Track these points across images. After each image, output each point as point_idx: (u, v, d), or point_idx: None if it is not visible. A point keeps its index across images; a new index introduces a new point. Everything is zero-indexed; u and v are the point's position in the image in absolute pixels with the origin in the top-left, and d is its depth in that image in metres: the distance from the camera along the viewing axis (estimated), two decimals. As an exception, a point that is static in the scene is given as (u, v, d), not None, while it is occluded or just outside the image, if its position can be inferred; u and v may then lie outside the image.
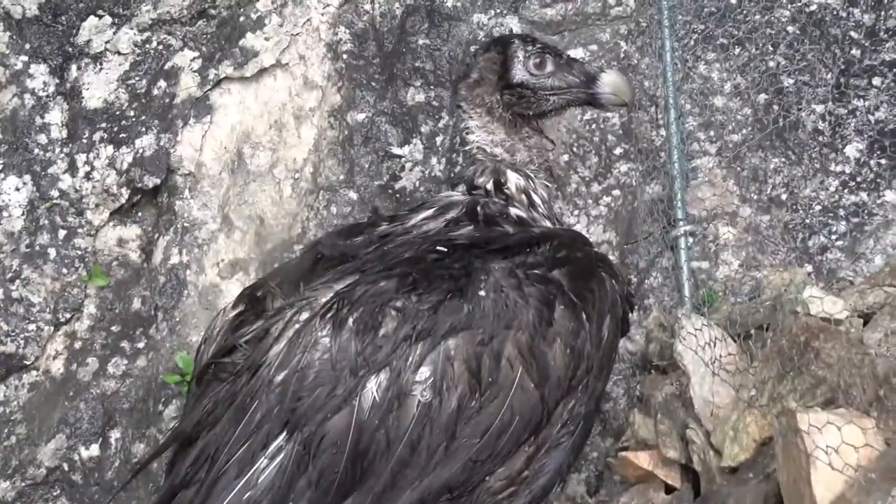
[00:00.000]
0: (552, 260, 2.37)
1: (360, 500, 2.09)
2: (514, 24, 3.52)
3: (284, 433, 2.09)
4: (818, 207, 3.19)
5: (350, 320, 2.15)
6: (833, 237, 3.15)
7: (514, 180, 2.72)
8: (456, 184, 2.89)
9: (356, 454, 2.08)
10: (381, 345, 2.15)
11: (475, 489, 2.18)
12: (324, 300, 2.22)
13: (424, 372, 2.13)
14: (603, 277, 2.39)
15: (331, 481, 2.05)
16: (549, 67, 2.76)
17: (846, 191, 3.20)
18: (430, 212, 2.64)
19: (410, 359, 2.14)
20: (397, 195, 3.40)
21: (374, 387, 2.13)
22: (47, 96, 3.36)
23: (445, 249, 2.44)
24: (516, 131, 2.79)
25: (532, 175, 2.74)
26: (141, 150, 3.35)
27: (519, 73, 2.76)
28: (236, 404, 2.14)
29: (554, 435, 2.27)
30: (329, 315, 2.17)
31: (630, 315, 2.54)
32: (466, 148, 2.84)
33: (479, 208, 2.62)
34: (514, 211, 2.67)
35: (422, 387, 2.13)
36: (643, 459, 2.80)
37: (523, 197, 2.70)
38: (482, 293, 2.24)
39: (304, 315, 2.21)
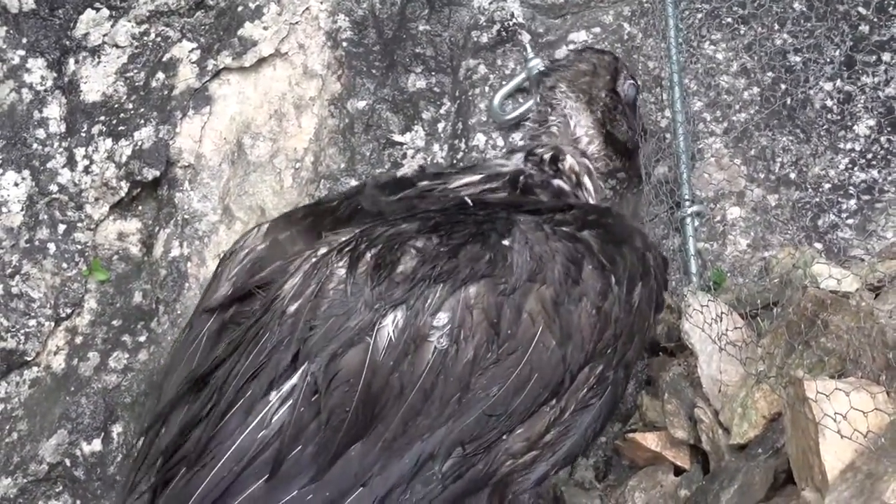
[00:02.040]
0: (583, 221, 2.34)
1: (369, 448, 2.03)
2: (515, 8, 3.48)
3: (297, 370, 2.04)
4: (828, 185, 3.13)
5: (368, 255, 2.13)
6: (843, 215, 3.09)
7: (570, 161, 2.79)
8: (515, 151, 2.91)
9: (368, 396, 2.03)
10: (399, 282, 2.11)
11: (491, 448, 2.12)
12: (343, 239, 2.21)
13: (442, 318, 2.08)
14: (637, 245, 2.36)
15: (341, 421, 2.00)
16: (632, 97, 3.06)
17: (856, 168, 3.14)
18: (475, 178, 2.66)
19: (429, 301, 2.10)
20: (399, 183, 3.36)
21: (390, 324, 2.08)
22: (45, 91, 3.34)
23: (472, 203, 2.45)
24: (598, 130, 2.96)
25: (591, 166, 2.85)
26: (140, 143, 3.33)
27: (620, 86, 3.00)
28: (247, 337, 2.11)
29: (580, 398, 2.22)
30: (347, 249, 2.15)
31: (664, 293, 2.51)
32: (549, 119, 2.96)
33: (521, 177, 2.66)
34: (556, 182, 2.72)
35: (439, 333, 2.08)
36: (651, 441, 2.75)
37: (573, 176, 2.76)
38: (506, 242, 2.19)
39: (322, 250, 2.19)
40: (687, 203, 3.07)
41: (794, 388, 2.15)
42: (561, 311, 2.16)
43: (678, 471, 2.72)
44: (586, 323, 2.19)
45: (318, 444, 2.00)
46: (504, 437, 2.12)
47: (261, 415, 2.01)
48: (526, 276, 2.17)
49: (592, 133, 2.94)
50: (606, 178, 3.10)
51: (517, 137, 3.34)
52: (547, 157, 2.77)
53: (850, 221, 3.07)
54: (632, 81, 3.07)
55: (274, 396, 2.02)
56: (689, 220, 3.06)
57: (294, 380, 2.04)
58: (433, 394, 2.06)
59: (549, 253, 2.20)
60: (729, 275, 3.04)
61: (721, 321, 2.59)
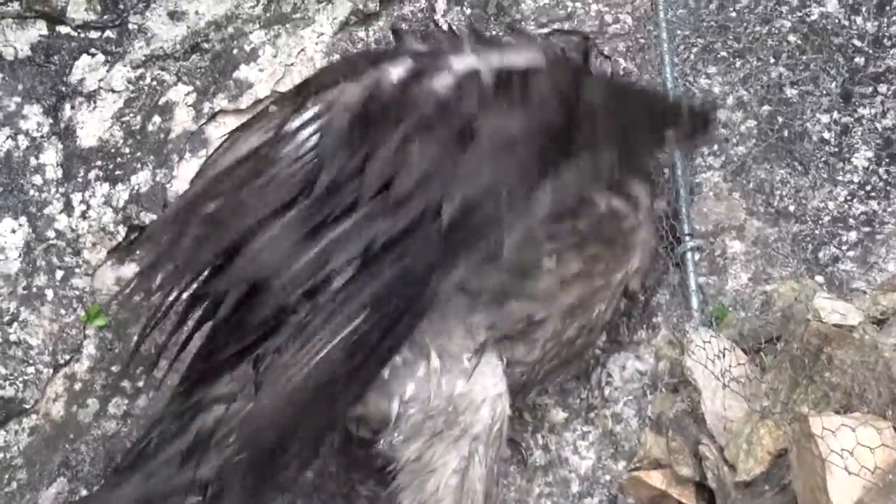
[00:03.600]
0: None
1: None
2: (509, 45, 3.48)
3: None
4: (827, 218, 3.12)
5: None
6: (844, 247, 3.08)
7: None
8: None
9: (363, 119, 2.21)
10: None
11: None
12: None
13: (458, 68, 2.27)
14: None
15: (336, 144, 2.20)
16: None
17: (855, 200, 3.13)
18: None
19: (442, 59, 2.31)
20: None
21: (394, 70, 2.28)
22: (41, 137, 3.33)
23: None
24: None
25: None
26: (137, 187, 3.32)
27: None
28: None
29: None
30: None
31: None
32: None
33: None
34: None
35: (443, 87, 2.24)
36: (656, 479, 2.73)
37: None
38: None
39: None
40: (687, 238, 3.07)
41: (799, 424, 2.13)
42: None
43: (683, 508, 2.70)
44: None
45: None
46: None
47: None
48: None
49: None
50: None
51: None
52: None
53: (850, 254, 3.06)
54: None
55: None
56: (689, 254, 3.05)
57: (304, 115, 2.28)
58: (431, 127, 2.18)
59: None
60: (730, 309, 3.02)
61: (724, 357, 2.58)
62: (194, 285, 2.41)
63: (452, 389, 2.32)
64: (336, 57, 3.49)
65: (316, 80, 2.56)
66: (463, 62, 2.33)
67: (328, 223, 2.17)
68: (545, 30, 3.43)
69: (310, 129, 2.29)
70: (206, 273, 2.38)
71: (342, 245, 2.14)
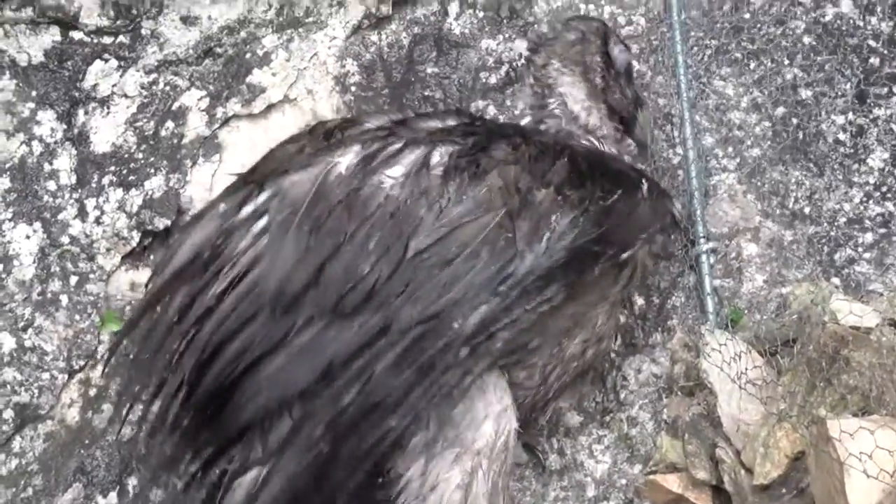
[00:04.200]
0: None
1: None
2: (523, 49, 3.47)
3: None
4: (843, 219, 3.11)
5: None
6: (860, 249, 3.07)
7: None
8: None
9: (311, 219, 2.19)
10: (359, 133, 2.39)
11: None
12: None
13: (398, 170, 2.23)
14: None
15: (283, 244, 2.19)
16: (624, 70, 2.97)
17: (871, 201, 3.12)
18: None
19: (389, 150, 2.27)
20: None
21: (344, 163, 2.25)
22: (55, 143, 3.33)
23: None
24: (596, 102, 2.88)
25: (598, 141, 2.79)
26: (150, 193, 3.32)
27: (611, 51, 2.91)
28: None
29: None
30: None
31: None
32: (548, 102, 2.91)
33: None
34: None
35: (392, 181, 2.21)
36: (673, 482, 2.72)
37: None
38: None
39: None
40: (702, 240, 3.06)
41: (817, 427, 2.13)
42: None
43: (700, 512, 2.69)
44: (548, 208, 2.22)
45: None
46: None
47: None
48: (500, 157, 2.28)
49: (590, 105, 2.88)
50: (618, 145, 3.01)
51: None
52: None
53: (866, 255, 3.05)
54: (622, 47, 3.00)
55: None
56: (704, 257, 3.04)
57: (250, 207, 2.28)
58: (381, 236, 2.14)
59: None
60: (746, 312, 3.01)
61: (740, 360, 2.57)
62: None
63: (450, 410, 2.29)
64: (349, 61, 3.49)
65: (264, 165, 2.50)
66: (413, 150, 2.29)
67: (287, 339, 2.17)
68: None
69: (261, 222, 2.27)
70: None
71: (302, 361, 2.14)
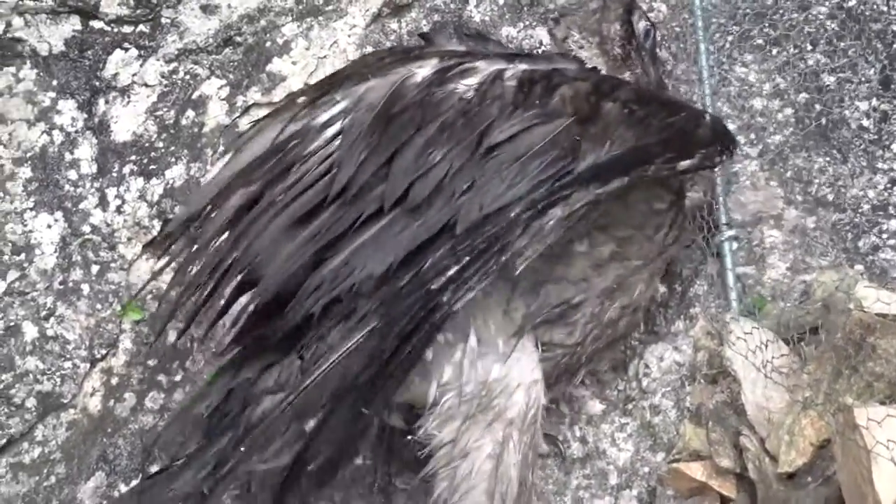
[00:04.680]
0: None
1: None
2: (543, 36, 3.46)
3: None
4: (867, 206, 3.09)
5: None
6: (884, 236, 3.04)
7: None
8: None
9: (386, 118, 2.27)
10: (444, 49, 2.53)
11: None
12: None
13: (472, 80, 2.31)
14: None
15: (357, 141, 2.28)
16: (649, 42, 2.98)
17: (895, 188, 3.09)
18: None
19: (463, 65, 2.35)
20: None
21: (420, 72, 2.34)
22: (76, 132, 3.34)
23: None
24: (616, 73, 2.87)
25: None
26: (171, 181, 3.32)
27: (635, 22, 2.93)
28: None
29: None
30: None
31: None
32: None
33: None
34: None
35: (465, 88, 2.29)
36: (696, 471, 2.70)
37: None
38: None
39: None
40: (724, 227, 3.04)
41: (843, 415, 2.11)
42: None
43: (724, 501, 2.67)
44: (615, 118, 2.29)
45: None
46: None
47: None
48: (572, 75, 2.36)
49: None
50: None
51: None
52: None
53: (891, 242, 3.02)
54: (647, 22, 3.00)
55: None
56: (726, 245, 3.02)
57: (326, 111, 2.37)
58: (453, 131, 2.22)
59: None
60: (769, 299, 2.99)
61: (766, 348, 2.55)
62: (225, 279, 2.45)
63: (488, 374, 2.32)
64: (369, 49, 3.48)
65: (343, 73, 2.58)
66: (490, 65, 2.38)
67: (351, 232, 2.21)
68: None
69: (335, 127, 2.36)
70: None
71: (365, 258, 2.16)
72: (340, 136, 2.31)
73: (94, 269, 3.23)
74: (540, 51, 3.45)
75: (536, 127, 2.22)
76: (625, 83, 2.51)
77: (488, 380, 2.31)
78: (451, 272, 2.09)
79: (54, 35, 3.37)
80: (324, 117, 2.37)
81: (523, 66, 2.39)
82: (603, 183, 2.18)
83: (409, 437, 2.44)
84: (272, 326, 2.32)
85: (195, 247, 2.57)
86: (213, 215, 2.52)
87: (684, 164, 2.35)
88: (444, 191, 2.17)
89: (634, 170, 2.24)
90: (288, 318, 2.26)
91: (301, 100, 2.50)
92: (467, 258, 2.09)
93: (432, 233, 2.14)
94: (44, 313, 3.16)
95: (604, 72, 2.83)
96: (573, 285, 2.48)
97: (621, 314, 2.65)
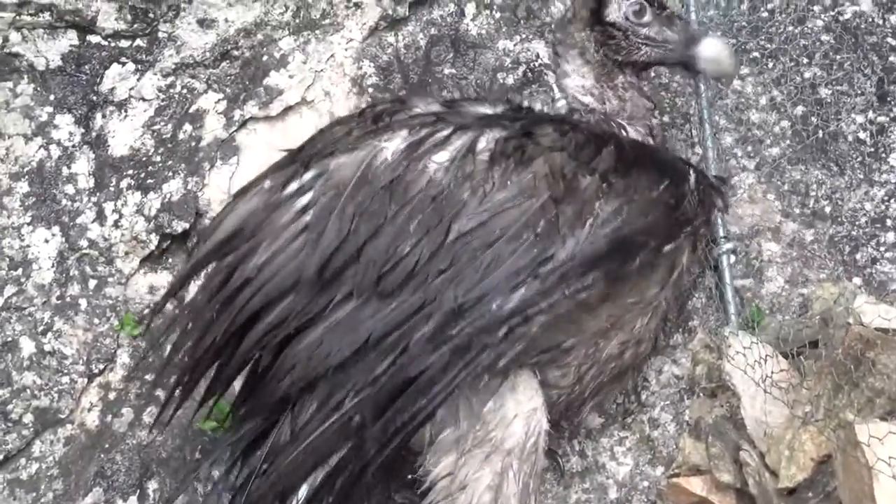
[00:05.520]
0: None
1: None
2: (540, 49, 3.47)
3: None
4: (864, 219, 3.10)
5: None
6: (882, 248, 3.05)
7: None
8: None
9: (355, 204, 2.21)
10: (407, 118, 2.38)
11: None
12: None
13: (444, 155, 2.23)
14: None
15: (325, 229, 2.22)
16: (647, 17, 2.70)
17: (893, 200, 3.10)
18: None
19: (435, 136, 2.27)
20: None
21: (390, 148, 2.26)
22: (73, 146, 3.34)
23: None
24: (608, 79, 2.74)
25: (624, 123, 2.68)
26: (168, 195, 3.32)
27: (613, 13, 2.71)
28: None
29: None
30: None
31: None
32: (560, 100, 2.88)
33: None
34: None
35: (437, 166, 2.22)
36: (696, 485, 2.71)
37: None
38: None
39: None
40: (722, 240, 3.04)
41: (844, 431, 2.11)
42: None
43: (724, 515, 2.67)
44: (593, 194, 2.21)
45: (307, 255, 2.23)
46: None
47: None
48: (547, 143, 2.27)
49: (597, 89, 2.76)
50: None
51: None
52: None
53: (888, 255, 3.03)
54: (635, 2, 2.71)
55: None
56: (724, 257, 3.02)
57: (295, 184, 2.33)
58: (423, 218, 2.17)
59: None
60: (768, 312, 3.00)
61: (765, 363, 2.55)
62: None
63: (482, 407, 2.30)
64: (366, 62, 3.49)
65: (312, 145, 2.52)
66: (461, 135, 2.30)
67: (325, 312, 2.21)
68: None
69: (304, 200, 2.32)
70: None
71: (339, 339, 2.16)
72: (310, 214, 2.28)
73: (92, 283, 3.23)
74: (537, 64, 3.46)
75: (509, 210, 2.16)
76: (606, 143, 2.36)
77: (483, 412, 2.29)
78: (432, 371, 2.09)
79: (51, 50, 3.37)
80: (293, 186, 2.35)
81: (496, 135, 2.29)
82: (587, 288, 2.16)
83: (410, 476, 2.44)
84: (259, 396, 2.35)
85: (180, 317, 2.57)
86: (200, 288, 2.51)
87: (669, 246, 2.34)
88: (415, 276, 2.14)
89: (619, 268, 2.22)
90: (266, 393, 2.28)
91: (270, 178, 2.45)
92: (448, 354, 2.09)
93: (406, 315, 2.13)
94: (41, 328, 3.15)
95: (592, 83, 2.75)
96: (561, 330, 2.42)
97: (623, 348, 2.59)
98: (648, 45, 2.70)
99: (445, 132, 2.29)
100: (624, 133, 2.64)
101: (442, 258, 2.13)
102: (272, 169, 2.51)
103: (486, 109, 2.52)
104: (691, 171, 2.47)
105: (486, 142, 2.27)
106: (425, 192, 2.19)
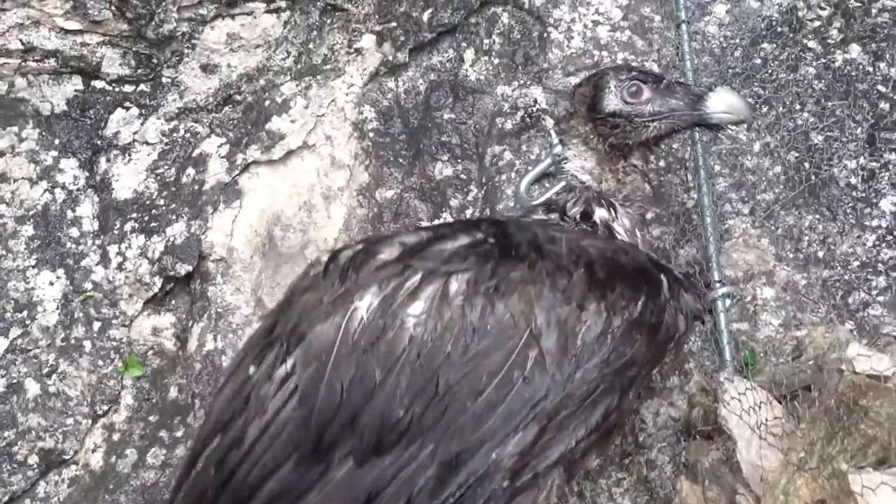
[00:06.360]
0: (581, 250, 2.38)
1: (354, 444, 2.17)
2: (538, 94, 3.52)
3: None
4: (856, 263, 3.14)
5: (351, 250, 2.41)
6: (874, 292, 3.10)
7: (599, 214, 2.66)
8: (551, 208, 2.78)
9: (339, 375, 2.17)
10: (376, 268, 2.29)
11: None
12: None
13: (418, 306, 2.19)
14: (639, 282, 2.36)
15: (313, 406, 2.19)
16: (646, 94, 2.67)
17: (884, 245, 3.15)
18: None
19: (406, 287, 2.23)
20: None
21: (364, 307, 2.22)
22: (78, 190, 3.38)
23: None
24: (611, 164, 2.73)
25: (617, 204, 2.68)
26: (172, 238, 3.36)
27: (611, 104, 2.70)
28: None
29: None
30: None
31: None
32: (561, 176, 2.83)
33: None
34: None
35: (414, 320, 2.18)
36: (693, 529, 2.74)
37: (605, 230, 2.64)
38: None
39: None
40: (717, 284, 3.08)
41: (838, 480, 2.15)
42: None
43: (721, 558, 2.70)
44: (572, 324, 2.19)
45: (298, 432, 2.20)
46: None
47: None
48: (517, 278, 2.23)
49: (597, 170, 2.75)
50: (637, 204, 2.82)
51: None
52: (578, 217, 2.66)
53: (880, 299, 3.08)
54: (629, 85, 2.69)
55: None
56: (720, 301, 3.06)
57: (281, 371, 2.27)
58: (412, 380, 2.14)
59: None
60: (762, 355, 3.04)
61: (760, 409, 2.59)
62: None
63: None
64: (366, 107, 3.54)
65: (285, 318, 2.46)
66: (430, 281, 2.27)
67: (322, 478, 2.21)
68: (572, 78, 3.46)
69: (284, 368, 2.29)
70: None
71: (339, 497, 2.18)
72: (294, 378, 2.25)
73: (96, 325, 3.26)
74: (534, 109, 3.50)
75: (492, 354, 2.15)
76: (577, 267, 2.32)
77: None
78: None
79: (56, 95, 3.42)
80: (280, 372, 2.31)
81: (466, 276, 2.25)
82: (590, 434, 2.21)
83: None
84: None
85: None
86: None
87: (655, 369, 2.36)
88: (410, 431, 2.14)
89: (619, 405, 2.25)
90: None
91: (254, 364, 2.43)
92: None
93: (403, 469, 2.14)
94: (46, 370, 3.19)
95: (593, 166, 2.74)
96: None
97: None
98: (656, 120, 2.68)
99: (415, 280, 2.26)
100: (613, 213, 2.66)
101: (433, 411, 2.13)
102: (252, 347, 2.46)
103: (450, 245, 2.41)
104: (662, 275, 2.46)
105: (457, 284, 2.24)
106: (409, 351, 2.16)
